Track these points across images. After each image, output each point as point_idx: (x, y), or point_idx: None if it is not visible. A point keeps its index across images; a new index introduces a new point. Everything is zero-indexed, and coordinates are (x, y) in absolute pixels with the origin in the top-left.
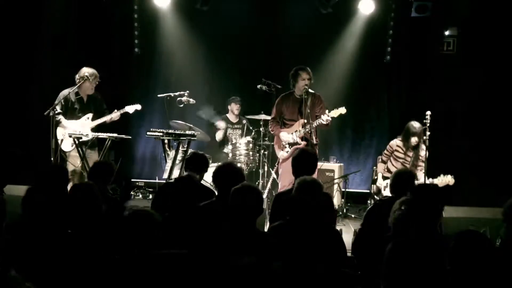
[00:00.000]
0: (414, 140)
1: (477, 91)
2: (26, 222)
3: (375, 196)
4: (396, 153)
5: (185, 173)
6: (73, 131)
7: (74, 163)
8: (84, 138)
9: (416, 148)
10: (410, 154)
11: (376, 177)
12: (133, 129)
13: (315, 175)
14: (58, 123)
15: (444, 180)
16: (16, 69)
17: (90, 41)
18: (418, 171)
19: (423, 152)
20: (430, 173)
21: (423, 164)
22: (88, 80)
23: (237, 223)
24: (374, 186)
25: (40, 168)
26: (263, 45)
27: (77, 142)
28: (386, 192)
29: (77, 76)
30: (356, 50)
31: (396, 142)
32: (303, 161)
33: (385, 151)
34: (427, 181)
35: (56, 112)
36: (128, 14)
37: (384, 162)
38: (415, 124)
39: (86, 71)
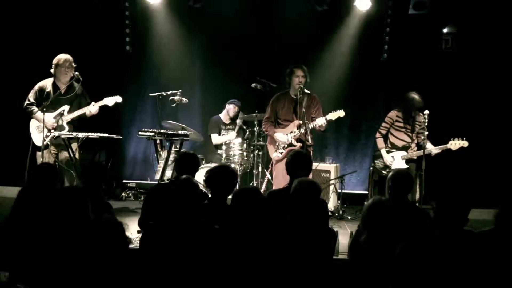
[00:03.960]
0: (417, 111)
1: (476, 89)
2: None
3: (383, 172)
4: (396, 123)
5: (183, 176)
6: (49, 126)
7: (48, 159)
8: (73, 134)
9: (414, 117)
10: (410, 122)
11: (377, 153)
12: (125, 129)
13: (310, 177)
14: (30, 113)
15: (458, 143)
16: (4, 68)
17: (80, 39)
18: (423, 139)
19: (421, 118)
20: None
21: (425, 132)
22: (60, 66)
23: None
24: (379, 161)
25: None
26: (258, 43)
27: (67, 143)
28: (395, 165)
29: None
30: (353, 48)
31: (395, 113)
32: (298, 163)
33: (384, 124)
34: (439, 149)
35: (28, 102)
36: (119, 12)
37: (383, 136)
38: (418, 97)
39: (56, 57)
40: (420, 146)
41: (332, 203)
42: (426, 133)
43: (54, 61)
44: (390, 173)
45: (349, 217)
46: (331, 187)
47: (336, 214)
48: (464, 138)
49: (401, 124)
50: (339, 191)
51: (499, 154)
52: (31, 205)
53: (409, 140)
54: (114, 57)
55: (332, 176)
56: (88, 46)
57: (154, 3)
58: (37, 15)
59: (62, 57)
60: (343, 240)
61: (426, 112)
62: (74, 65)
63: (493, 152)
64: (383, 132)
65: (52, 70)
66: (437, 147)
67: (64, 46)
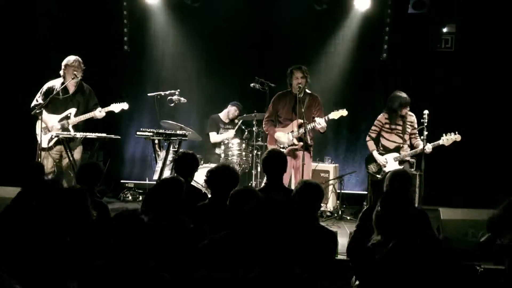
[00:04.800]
0: (406, 109)
1: (475, 89)
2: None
3: (377, 176)
4: (386, 125)
5: (170, 175)
6: (54, 129)
7: (53, 160)
8: (71, 134)
9: (404, 116)
10: (400, 123)
11: (369, 157)
12: (123, 129)
13: (308, 176)
14: (39, 114)
15: (450, 138)
16: (2, 68)
17: (78, 38)
18: (414, 139)
19: (413, 118)
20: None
21: (416, 131)
22: (70, 66)
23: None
24: (372, 165)
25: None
26: (257, 43)
27: (65, 144)
28: (388, 168)
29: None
30: (352, 48)
31: (383, 116)
32: (272, 161)
33: (374, 128)
34: (431, 146)
35: (36, 103)
36: (117, 11)
37: (374, 139)
38: (403, 94)
39: (66, 58)
40: (413, 147)
41: (331, 203)
42: (426, 133)
43: (64, 61)
44: (388, 174)
45: (348, 218)
46: (330, 187)
47: (335, 215)
48: (456, 132)
49: (392, 126)
50: (338, 191)
51: (499, 154)
52: (22, 204)
53: (400, 141)
54: (112, 57)
55: (331, 176)
56: (86, 46)
57: (152, 2)
58: (35, 15)
59: (73, 57)
60: (342, 240)
61: (426, 112)
62: (83, 66)
63: (493, 152)
64: (373, 135)
65: (61, 71)
66: (429, 144)
67: (62, 45)
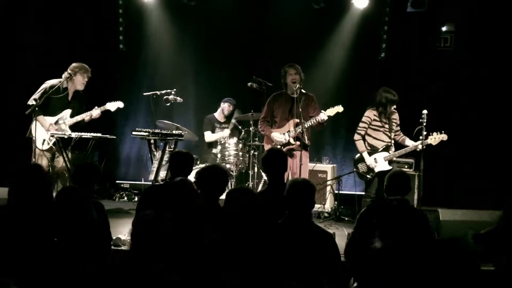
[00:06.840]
0: (393, 107)
1: (475, 88)
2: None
3: (367, 176)
4: (374, 122)
5: (178, 178)
6: (52, 129)
7: (48, 160)
8: (66, 134)
9: (390, 113)
10: (387, 121)
11: (359, 157)
12: (118, 129)
13: (306, 176)
14: (35, 113)
15: (438, 138)
16: None
17: (73, 37)
18: (398, 135)
19: (396, 115)
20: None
21: (399, 128)
22: (80, 74)
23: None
24: (361, 165)
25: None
26: (254, 42)
27: (60, 144)
28: (378, 168)
29: (68, 71)
30: (350, 47)
31: (372, 113)
32: (272, 160)
33: (362, 125)
34: (420, 144)
35: (34, 103)
36: (113, 9)
37: (363, 138)
38: (392, 91)
39: (77, 65)
40: (398, 145)
41: (329, 204)
42: (425, 132)
43: (77, 65)
44: (388, 174)
45: (346, 218)
46: (328, 188)
47: (333, 215)
48: (443, 132)
49: (379, 124)
50: (336, 192)
51: (499, 154)
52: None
53: (388, 140)
54: (107, 56)
55: (329, 177)
56: (81, 45)
57: (148, 1)
58: (31, 13)
59: (82, 65)
60: (340, 241)
61: (425, 111)
62: (90, 75)
63: (492, 152)
64: (362, 133)
65: (69, 73)
66: (417, 142)
67: (58, 44)
